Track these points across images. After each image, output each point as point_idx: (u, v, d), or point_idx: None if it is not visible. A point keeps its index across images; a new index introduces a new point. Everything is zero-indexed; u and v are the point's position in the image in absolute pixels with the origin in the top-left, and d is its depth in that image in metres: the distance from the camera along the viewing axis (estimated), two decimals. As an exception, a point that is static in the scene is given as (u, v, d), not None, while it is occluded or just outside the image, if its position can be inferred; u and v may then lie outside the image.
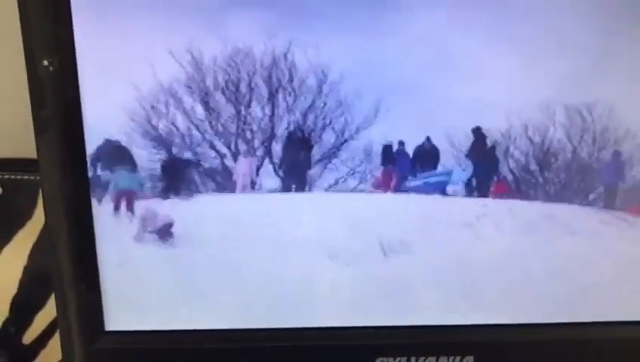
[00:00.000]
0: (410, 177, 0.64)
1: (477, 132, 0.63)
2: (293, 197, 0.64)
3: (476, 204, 0.65)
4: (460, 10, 0.59)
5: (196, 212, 0.64)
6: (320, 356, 0.68)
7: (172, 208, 0.63)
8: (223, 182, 0.64)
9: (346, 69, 0.60)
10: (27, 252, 0.76)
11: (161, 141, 0.61)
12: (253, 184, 0.64)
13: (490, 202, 0.64)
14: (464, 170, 0.64)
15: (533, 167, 0.64)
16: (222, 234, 0.64)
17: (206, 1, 0.56)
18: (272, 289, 0.66)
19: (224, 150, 0.62)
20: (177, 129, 0.61)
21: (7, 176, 0.76)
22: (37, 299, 0.76)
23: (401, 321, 0.66)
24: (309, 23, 0.58)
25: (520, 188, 0.64)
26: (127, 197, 0.62)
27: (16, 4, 0.54)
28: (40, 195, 0.75)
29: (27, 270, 0.76)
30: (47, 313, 0.77)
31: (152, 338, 0.65)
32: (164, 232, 0.62)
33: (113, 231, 0.62)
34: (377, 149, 0.63)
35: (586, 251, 0.65)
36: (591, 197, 0.64)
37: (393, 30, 0.59)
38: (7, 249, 0.76)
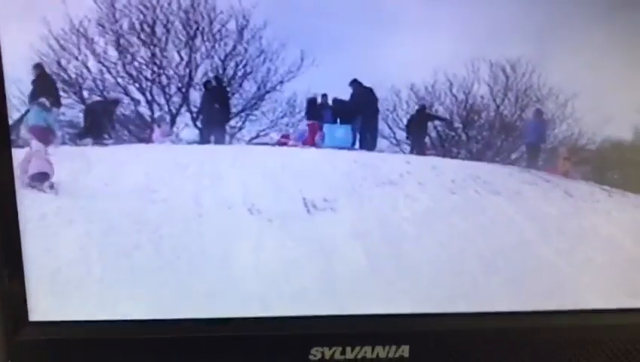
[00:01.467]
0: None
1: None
2: (213, 150, 0.62)
3: (400, 160, 0.64)
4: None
5: (109, 162, 0.60)
6: (254, 346, 0.66)
7: (83, 156, 0.59)
8: (138, 130, 0.60)
9: (270, 16, 0.58)
10: None
11: (70, 84, 0.58)
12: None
13: (414, 159, 0.63)
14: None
15: (457, 124, 0.63)
16: (137, 187, 0.61)
17: None
18: (192, 249, 0.63)
19: (138, 96, 0.59)
20: (89, 71, 0.58)
21: None
22: None
23: (327, 284, 0.65)
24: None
25: (444, 145, 0.64)
26: (39, 138, 0.58)
27: None
28: None
29: None
30: None
31: (77, 329, 0.62)
32: (38, 181, 0.59)
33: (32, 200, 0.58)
34: (301, 102, 0.62)
35: (509, 211, 0.65)
36: (513, 156, 0.64)
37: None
38: None
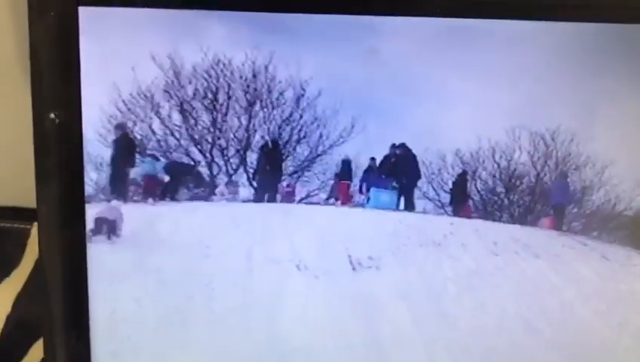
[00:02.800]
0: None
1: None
2: (265, 208, 0.65)
3: (444, 222, 0.66)
4: (431, 40, 0.62)
5: (169, 218, 0.64)
6: None
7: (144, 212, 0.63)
8: (197, 189, 0.64)
9: (324, 86, 0.62)
10: (11, 301, 0.75)
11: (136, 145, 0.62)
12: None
13: (456, 221, 0.66)
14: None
15: (500, 189, 0.66)
16: (194, 242, 0.64)
17: (190, 9, 0.58)
18: (242, 302, 0.65)
19: (199, 157, 0.63)
20: (154, 133, 0.62)
21: None
22: (18, 348, 0.75)
23: (371, 341, 0.66)
24: (291, 38, 0.60)
25: (486, 209, 0.66)
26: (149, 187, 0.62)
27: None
28: (28, 244, 0.75)
29: (10, 319, 0.75)
30: None
31: None
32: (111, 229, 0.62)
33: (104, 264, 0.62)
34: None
35: (548, 273, 0.67)
36: (553, 221, 0.67)
37: (370, 54, 0.62)
38: None
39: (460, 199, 0.66)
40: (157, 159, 0.62)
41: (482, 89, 0.63)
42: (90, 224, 0.62)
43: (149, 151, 0.62)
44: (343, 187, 0.66)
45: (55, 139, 0.58)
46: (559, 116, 0.65)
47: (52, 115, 0.57)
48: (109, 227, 0.62)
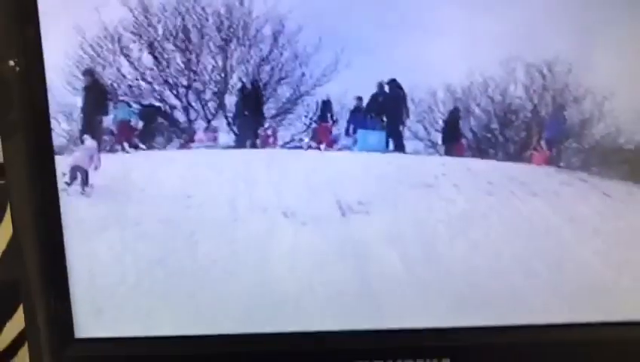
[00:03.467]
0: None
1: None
2: (247, 154, 0.62)
3: (435, 162, 0.63)
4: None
5: (142, 169, 0.61)
6: (295, 360, 0.66)
7: (119, 162, 0.60)
8: (174, 136, 0.61)
9: (305, 21, 0.58)
10: None
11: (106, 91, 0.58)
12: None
13: (449, 161, 0.63)
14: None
15: (494, 125, 0.63)
16: (174, 191, 0.61)
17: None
18: (227, 253, 0.63)
19: (174, 101, 0.59)
20: (124, 77, 0.58)
21: None
22: (6, 307, 0.75)
23: (362, 288, 0.65)
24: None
25: (480, 147, 0.63)
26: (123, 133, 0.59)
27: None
28: (7, 202, 0.73)
29: None
30: (16, 322, 0.76)
31: (121, 346, 0.64)
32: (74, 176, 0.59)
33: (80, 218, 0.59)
34: (335, 105, 0.61)
35: (546, 212, 0.64)
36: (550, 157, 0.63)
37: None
38: None
39: (452, 137, 0.63)
40: (129, 105, 0.59)
41: (474, 17, 0.59)
42: (64, 175, 0.59)
43: (120, 97, 0.58)
44: (323, 130, 0.62)
45: (16, 89, 0.54)
46: (556, 46, 0.61)
47: (11, 63, 0.54)
48: (83, 177, 0.59)
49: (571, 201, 0.64)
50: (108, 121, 0.59)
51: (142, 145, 0.60)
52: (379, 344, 0.65)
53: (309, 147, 0.63)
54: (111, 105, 0.59)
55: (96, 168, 0.59)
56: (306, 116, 0.61)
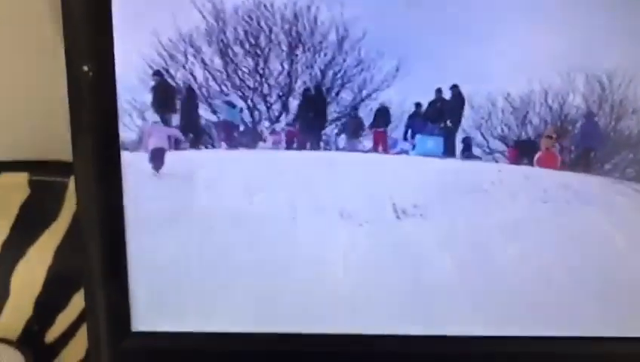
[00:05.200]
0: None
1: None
2: (308, 156, 0.64)
3: (491, 168, 0.64)
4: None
5: (209, 167, 0.63)
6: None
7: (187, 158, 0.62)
8: (238, 136, 0.63)
9: (368, 27, 0.60)
10: (52, 253, 0.76)
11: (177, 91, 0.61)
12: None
13: (505, 167, 0.64)
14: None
15: (551, 134, 0.63)
16: (238, 189, 0.64)
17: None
18: (286, 251, 0.65)
19: (240, 104, 0.62)
20: (195, 79, 0.60)
21: (34, 178, 0.77)
22: (60, 299, 0.76)
23: (414, 291, 0.66)
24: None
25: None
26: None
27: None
28: (66, 197, 0.76)
29: (51, 270, 0.76)
30: (69, 313, 0.77)
31: (178, 340, 0.65)
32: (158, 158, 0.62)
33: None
34: (395, 110, 0.63)
35: (600, 222, 0.65)
36: (607, 167, 0.64)
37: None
38: (32, 249, 0.76)
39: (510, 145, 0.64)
40: (233, 106, 0.61)
41: (535, 29, 0.60)
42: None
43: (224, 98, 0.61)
44: (377, 136, 0.64)
45: (89, 91, 0.57)
46: (616, 57, 0.61)
47: (85, 68, 0.56)
48: (161, 157, 0.61)
49: (626, 212, 0.64)
50: (208, 119, 0.62)
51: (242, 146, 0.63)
52: (427, 348, 0.66)
53: (368, 150, 0.65)
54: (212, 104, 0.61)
55: (176, 142, 0.61)
56: (365, 120, 0.63)
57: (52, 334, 0.77)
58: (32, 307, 0.76)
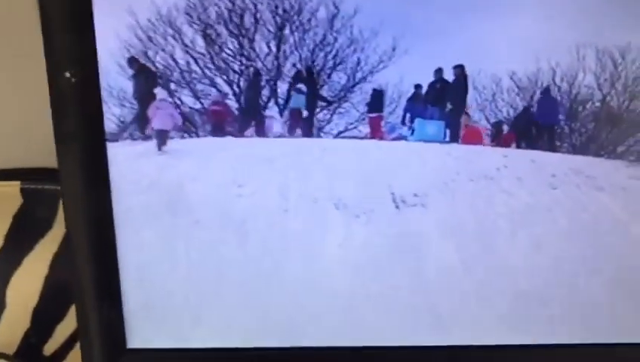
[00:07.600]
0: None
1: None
2: (300, 143, 0.60)
3: (497, 154, 0.60)
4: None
5: (195, 157, 0.59)
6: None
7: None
8: (225, 123, 0.59)
9: (360, 3, 0.55)
10: (48, 262, 0.73)
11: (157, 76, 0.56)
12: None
13: (511, 152, 0.60)
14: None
15: (560, 115, 0.59)
16: (225, 180, 0.60)
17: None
18: (277, 244, 0.61)
19: (226, 88, 0.58)
20: (176, 63, 0.56)
21: (27, 186, 0.74)
22: (58, 309, 0.74)
23: (416, 284, 0.62)
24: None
25: (543, 137, 0.60)
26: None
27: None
28: (60, 205, 0.73)
29: (48, 280, 0.73)
30: (68, 324, 0.75)
31: (174, 357, 0.63)
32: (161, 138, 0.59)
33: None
34: (393, 93, 0.59)
35: (612, 207, 0.61)
36: (620, 149, 0.60)
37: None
38: (28, 259, 0.73)
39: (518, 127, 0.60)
40: (302, 92, 0.58)
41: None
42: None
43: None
44: (373, 121, 0.60)
45: (71, 98, 0.53)
46: (629, 31, 0.57)
47: (67, 74, 0.53)
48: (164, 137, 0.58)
49: (640, 196, 0.61)
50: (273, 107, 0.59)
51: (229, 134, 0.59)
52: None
53: (365, 136, 0.61)
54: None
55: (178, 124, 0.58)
56: (361, 104, 0.59)
57: (51, 346, 0.75)
58: (30, 319, 0.74)
